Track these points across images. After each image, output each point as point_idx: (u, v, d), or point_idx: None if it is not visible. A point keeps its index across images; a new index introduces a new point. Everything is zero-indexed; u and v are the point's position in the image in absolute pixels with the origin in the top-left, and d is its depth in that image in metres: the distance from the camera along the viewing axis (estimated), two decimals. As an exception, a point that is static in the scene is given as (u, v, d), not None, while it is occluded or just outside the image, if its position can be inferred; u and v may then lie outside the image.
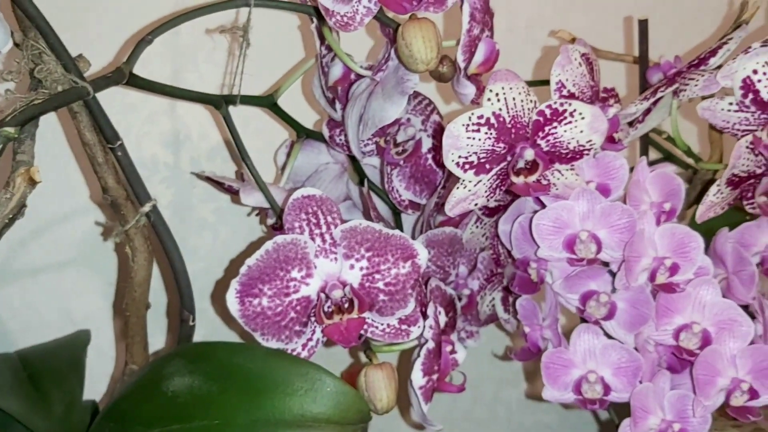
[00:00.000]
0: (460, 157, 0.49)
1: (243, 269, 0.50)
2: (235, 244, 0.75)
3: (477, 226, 0.66)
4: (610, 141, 0.53)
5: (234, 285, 0.50)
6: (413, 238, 0.64)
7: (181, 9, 0.61)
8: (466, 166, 0.50)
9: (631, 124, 0.58)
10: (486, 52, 0.52)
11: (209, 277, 0.73)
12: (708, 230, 0.55)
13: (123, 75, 0.51)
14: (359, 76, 0.58)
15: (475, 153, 0.49)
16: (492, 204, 0.64)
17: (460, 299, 0.67)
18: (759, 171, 0.51)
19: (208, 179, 0.64)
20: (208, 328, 0.73)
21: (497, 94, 0.50)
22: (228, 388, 0.50)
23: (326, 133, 0.63)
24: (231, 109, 0.58)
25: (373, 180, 0.68)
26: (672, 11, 0.82)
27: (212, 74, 0.69)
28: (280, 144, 0.71)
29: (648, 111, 0.56)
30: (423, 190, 0.65)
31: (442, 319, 0.57)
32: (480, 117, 0.49)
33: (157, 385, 0.52)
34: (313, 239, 0.51)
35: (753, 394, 0.49)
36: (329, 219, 0.52)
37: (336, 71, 0.59)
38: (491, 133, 0.49)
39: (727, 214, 0.55)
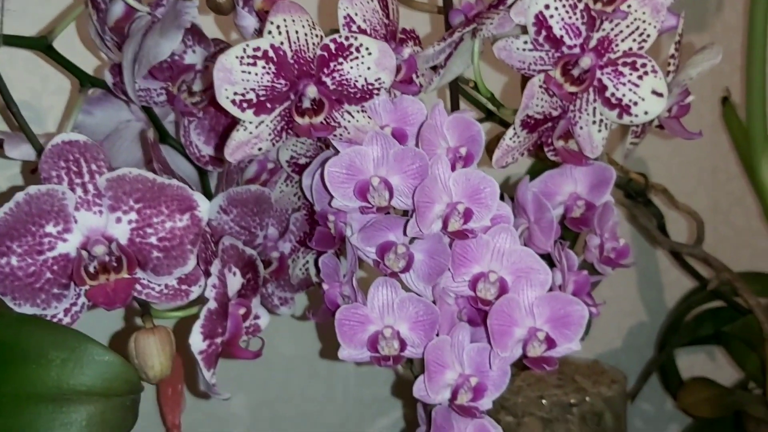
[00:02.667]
0: (235, 93, 0.45)
1: (-14, 224, 0.43)
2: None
3: (287, 185, 0.62)
4: (407, 83, 0.50)
5: (-24, 242, 0.43)
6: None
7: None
8: (244, 105, 0.45)
9: (436, 71, 0.55)
10: (271, -17, 0.48)
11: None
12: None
13: None
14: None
15: (253, 90, 0.45)
16: (302, 161, 0.60)
17: (270, 263, 0.62)
18: (555, 113, 0.49)
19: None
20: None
21: (278, 27, 0.45)
22: (-30, 360, 0.44)
23: (110, 79, 0.57)
24: (21, 62, 0.51)
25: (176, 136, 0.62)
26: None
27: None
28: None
29: (450, 56, 0.53)
30: (225, 144, 0.60)
31: (237, 281, 0.52)
32: (256, 49, 0.44)
33: None
34: (73, 190, 0.45)
35: (550, 343, 0.47)
36: (93, 167, 0.46)
37: (117, 9, 0.53)
38: (270, 68, 0.45)
39: (534, 165, 0.53)
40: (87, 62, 0.64)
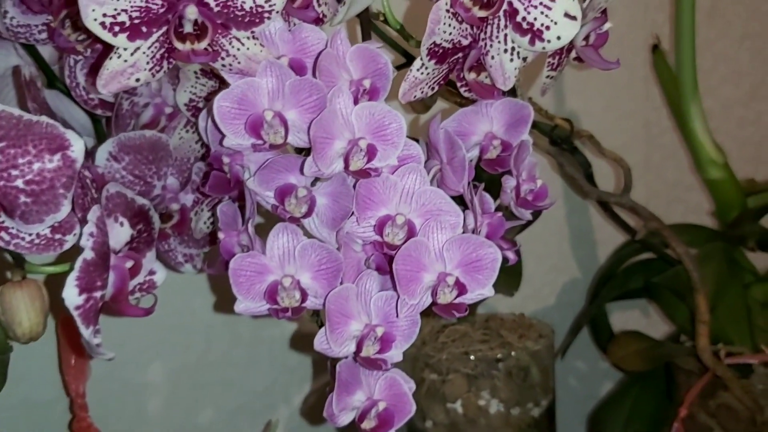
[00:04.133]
0: (104, 15, 0.40)
1: None
2: None
3: (187, 131, 0.58)
4: (304, 8, 0.45)
5: None
6: (108, 142, 0.54)
7: None
8: (116, 29, 0.40)
9: (340, 1, 0.50)
10: None
11: None
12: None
13: None
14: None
15: (125, 11, 0.40)
16: (203, 104, 0.55)
17: (171, 217, 0.58)
18: (465, 42, 0.45)
19: None
20: None
21: (154, -58, 0.40)
22: None
23: (-21, 11, 0.51)
24: None
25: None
26: None
27: None
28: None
29: (356, -16, 0.49)
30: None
31: (125, 232, 0.48)
32: (127, -35, 0.40)
33: None
34: (-77, 126, 0.40)
35: (461, 289, 0.44)
36: (-54, 102, 0.40)
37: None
38: (144, -14, 0.40)
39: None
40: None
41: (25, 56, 0.58)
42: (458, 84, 0.48)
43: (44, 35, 0.53)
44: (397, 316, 0.44)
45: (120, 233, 0.47)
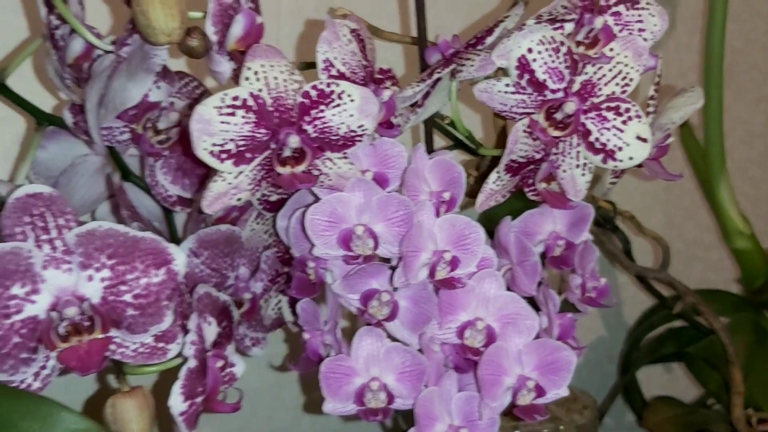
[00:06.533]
0: (214, 145, 0.43)
1: (-54, 288, 0.41)
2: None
3: (258, 223, 0.60)
4: (387, 126, 0.49)
5: (-65, 308, 0.40)
6: (184, 238, 0.57)
7: None
8: (223, 156, 0.43)
9: (412, 108, 0.54)
10: (245, 24, 0.46)
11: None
12: (491, 218, 0.53)
13: None
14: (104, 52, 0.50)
15: (233, 140, 0.43)
16: (274, 198, 0.58)
17: (241, 304, 0.60)
18: (538, 156, 0.49)
19: None
20: None
21: (256, 73, 0.43)
22: (-68, 435, 0.41)
23: (69, 119, 0.54)
24: None
25: (139, 173, 0.60)
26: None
27: None
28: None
29: (427, 94, 0.52)
30: (193, 183, 0.58)
31: (213, 331, 0.50)
32: (235, 98, 0.42)
33: None
34: (39, 247, 0.42)
35: (539, 391, 0.47)
36: (61, 222, 0.43)
37: (76, 46, 0.51)
38: (250, 117, 0.43)
39: (509, 201, 0.52)
40: (43, 100, 0.60)
41: (94, 145, 0.60)
42: (526, 190, 0.51)
43: (125, 136, 0.56)
44: (480, 418, 0.46)
45: (209, 333, 0.50)
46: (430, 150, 0.56)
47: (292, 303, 0.62)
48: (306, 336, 0.50)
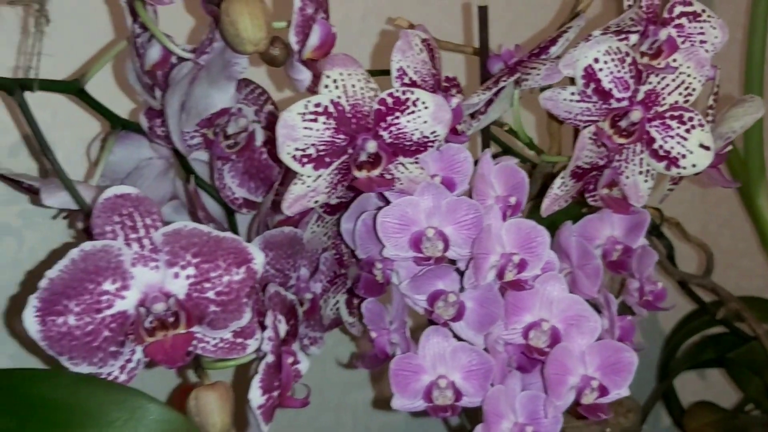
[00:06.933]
0: (296, 149, 0.45)
1: (43, 283, 0.43)
2: (45, 252, 0.66)
3: (318, 225, 0.62)
4: (454, 132, 0.50)
5: (32, 302, 0.42)
6: (249, 239, 0.58)
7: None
8: (304, 160, 0.45)
9: (473, 115, 0.55)
10: (322, 34, 0.48)
11: (9, 292, 0.63)
12: (550, 224, 0.54)
13: None
14: (181, 59, 0.52)
15: (314, 145, 0.45)
16: (333, 201, 0.60)
17: (302, 304, 0.62)
18: (602, 163, 0.50)
19: (3, 178, 0.55)
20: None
21: (335, 81, 0.45)
22: (28, 422, 0.42)
23: (145, 123, 0.56)
24: (33, 96, 0.50)
25: (202, 176, 0.62)
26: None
27: (4, 54, 0.59)
28: (94, 137, 0.63)
29: (490, 102, 0.54)
30: (258, 186, 0.60)
31: (283, 328, 0.52)
32: (317, 105, 0.44)
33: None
34: (128, 245, 0.44)
35: (603, 391, 0.48)
36: (148, 221, 0.45)
37: (154, 53, 0.53)
38: (330, 123, 0.45)
39: (566, 207, 0.54)
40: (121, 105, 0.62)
41: (158, 149, 0.62)
42: (586, 195, 0.53)
43: (195, 141, 0.58)
44: (546, 416, 0.48)
45: (280, 330, 0.51)
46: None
47: (350, 303, 0.64)
48: (373, 334, 0.52)
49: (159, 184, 0.63)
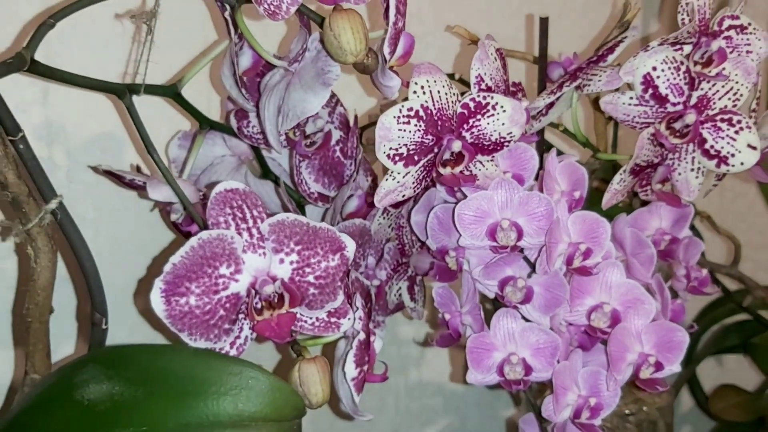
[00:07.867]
0: (391, 149, 0.50)
1: (167, 267, 0.48)
2: (117, 241, 0.71)
3: (384, 218, 0.67)
4: (528, 136, 0.55)
5: (158, 284, 0.47)
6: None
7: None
8: (396, 158, 0.50)
9: (534, 117, 0.61)
10: (406, 45, 0.53)
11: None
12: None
13: (24, 61, 0.47)
14: (269, 67, 0.57)
15: (405, 145, 0.50)
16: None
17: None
18: (656, 161, 0.56)
19: (107, 173, 0.60)
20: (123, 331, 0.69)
21: (422, 87, 0.50)
22: (154, 392, 0.47)
23: (234, 124, 0.61)
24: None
25: (274, 172, 0.67)
26: (561, 10, 0.87)
27: (115, 62, 0.64)
28: (172, 136, 0.68)
29: (551, 105, 0.59)
30: (331, 182, 0.65)
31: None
32: (410, 109, 0.50)
33: (69, 393, 0.48)
34: (240, 234, 0.50)
35: (658, 366, 0.53)
36: (255, 213, 0.50)
37: (245, 61, 0.58)
38: (420, 125, 0.50)
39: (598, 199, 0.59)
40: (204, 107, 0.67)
41: (232, 147, 0.67)
42: (638, 190, 0.58)
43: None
44: (608, 389, 0.53)
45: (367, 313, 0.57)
46: (540, 154, 0.63)
47: (411, 290, 0.69)
48: (447, 316, 0.57)
49: (231, 179, 0.68)
